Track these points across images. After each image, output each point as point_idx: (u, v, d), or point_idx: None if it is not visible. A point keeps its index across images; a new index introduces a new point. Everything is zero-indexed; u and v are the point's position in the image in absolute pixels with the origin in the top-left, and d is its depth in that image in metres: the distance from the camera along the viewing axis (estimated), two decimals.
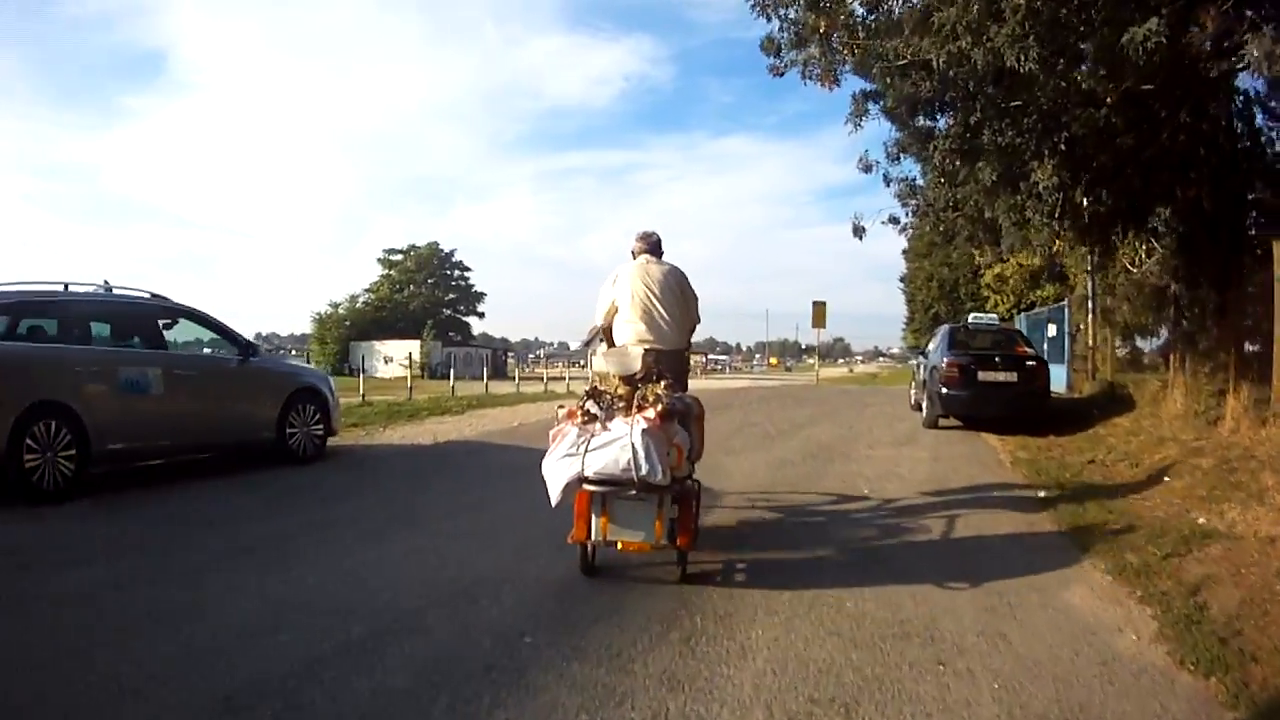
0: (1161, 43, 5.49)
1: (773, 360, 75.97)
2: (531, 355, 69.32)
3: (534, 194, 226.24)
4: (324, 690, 2.50)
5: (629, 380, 3.82)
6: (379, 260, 50.52)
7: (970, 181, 7.82)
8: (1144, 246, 10.46)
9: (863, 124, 8.05)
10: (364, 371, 23.62)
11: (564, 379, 24.16)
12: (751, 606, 3.33)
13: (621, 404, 3.67)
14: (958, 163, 7.69)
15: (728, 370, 56.34)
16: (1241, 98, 8.34)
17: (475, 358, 38.72)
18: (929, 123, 8.16)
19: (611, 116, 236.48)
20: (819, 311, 25.41)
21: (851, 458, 7.65)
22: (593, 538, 3.56)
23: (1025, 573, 3.87)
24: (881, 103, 8.03)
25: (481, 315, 53.26)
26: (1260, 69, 5.44)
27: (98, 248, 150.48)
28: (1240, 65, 5.86)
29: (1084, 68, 6.40)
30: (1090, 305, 14.76)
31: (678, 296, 4.36)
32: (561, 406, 3.85)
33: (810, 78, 7.82)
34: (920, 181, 9.08)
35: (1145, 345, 15.57)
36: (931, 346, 11.71)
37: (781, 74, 8.16)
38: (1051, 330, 16.44)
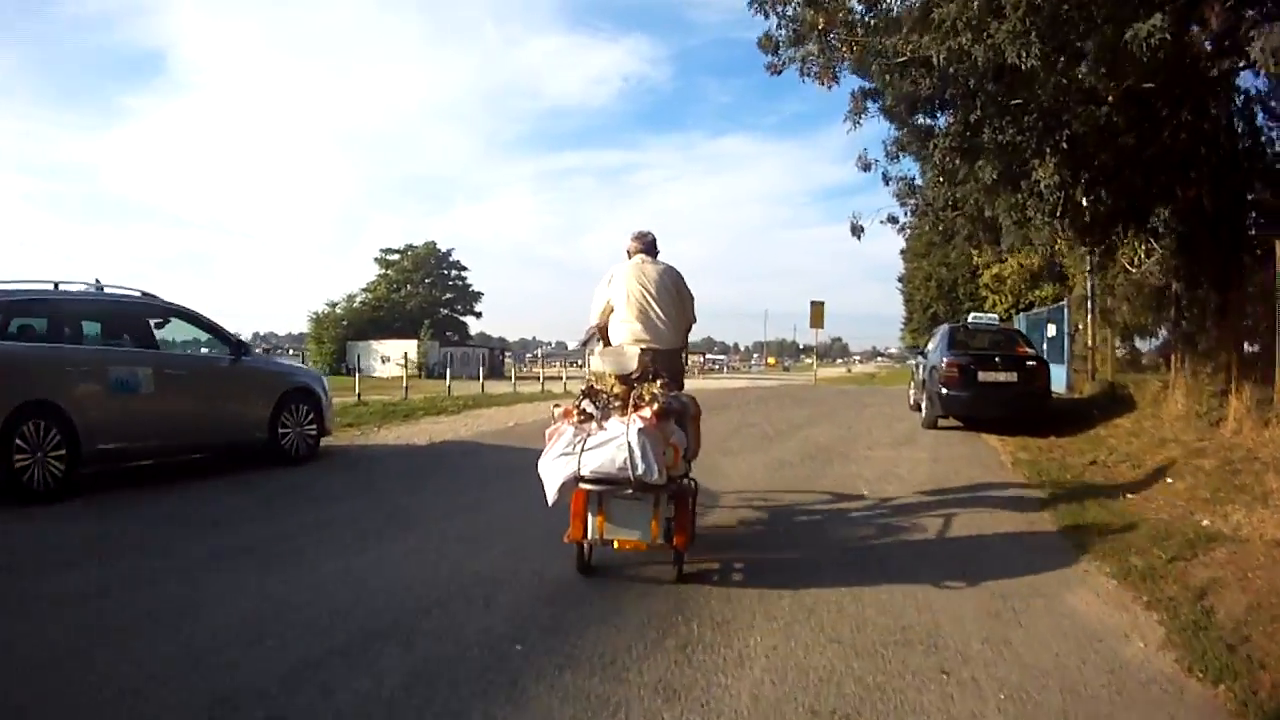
0: (1165, 39, 5.45)
1: (770, 360, 75.93)
2: (529, 355, 69.16)
3: (533, 194, 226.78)
4: (308, 700, 2.43)
5: (625, 379, 3.85)
6: (376, 260, 50.33)
7: (970, 180, 7.77)
8: (1143, 247, 10.41)
9: (862, 122, 8.03)
10: (360, 371, 23.51)
11: (561, 379, 24.08)
12: (749, 611, 3.26)
13: (618, 403, 3.70)
14: (957, 161, 7.65)
15: (725, 370, 56.24)
16: (1242, 97, 8.33)
17: (472, 357, 38.57)
18: (928, 121, 8.13)
19: (610, 116, 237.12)
20: (817, 311, 25.35)
21: (850, 459, 7.59)
22: (589, 537, 3.56)
23: (1028, 577, 3.81)
24: (880, 101, 7.99)
25: (479, 315, 53.10)
26: (1266, 65, 5.39)
27: (97, 247, 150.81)
28: (1242, 64, 5.83)
29: (1085, 65, 6.33)
30: (1089, 305, 14.71)
31: (673, 296, 4.35)
32: (558, 405, 3.87)
33: (808, 75, 7.79)
34: (919, 181, 9.04)
35: (1144, 346, 15.56)
36: (931, 346, 11.64)
37: (779, 72, 8.11)
38: (1051, 330, 16.38)
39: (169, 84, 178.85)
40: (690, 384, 5.02)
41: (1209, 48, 7.21)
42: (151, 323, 6.45)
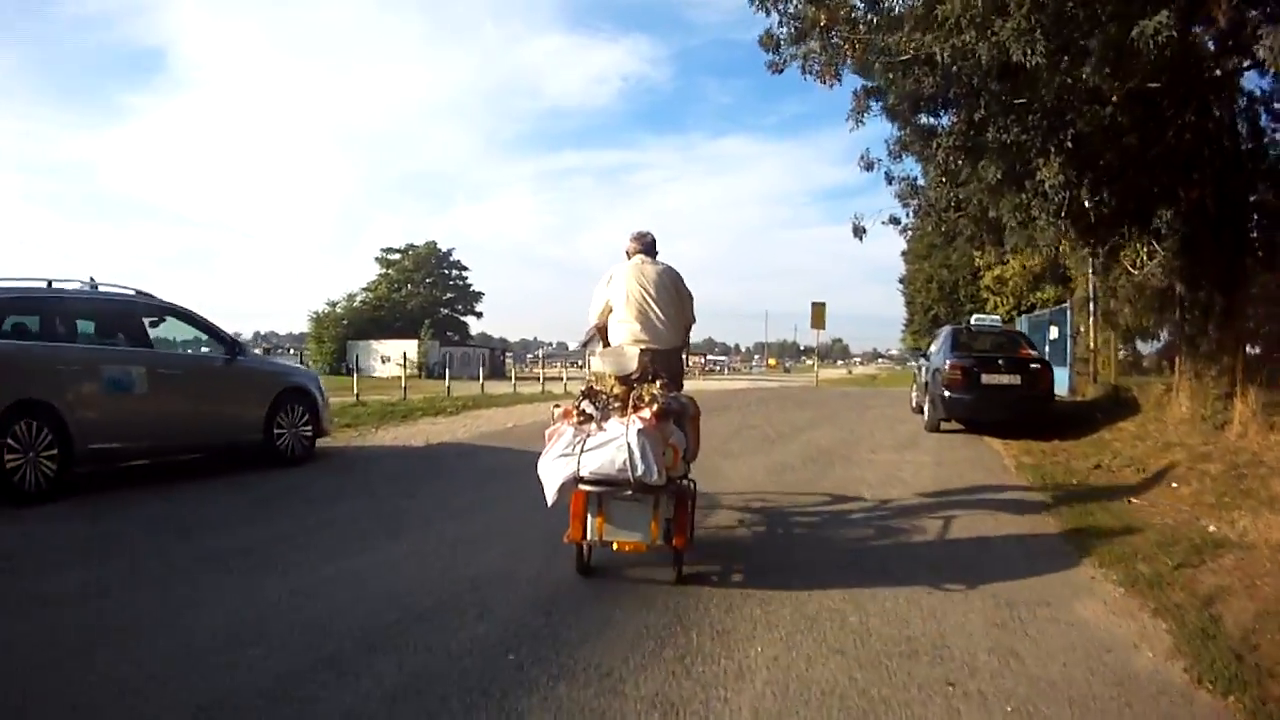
0: (1172, 37, 5.38)
1: (771, 361, 75.75)
2: (530, 355, 69.09)
3: (533, 193, 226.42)
4: (293, 712, 2.37)
5: (625, 380, 3.85)
6: (377, 259, 50.26)
7: (974, 180, 7.70)
8: (1145, 248, 10.34)
9: (864, 121, 7.93)
10: (360, 371, 23.41)
11: (561, 379, 24.00)
12: (750, 621, 3.19)
13: (617, 404, 3.69)
14: (961, 160, 7.58)
15: (726, 371, 56.19)
16: (1245, 98, 8.26)
17: (473, 357, 38.50)
18: (931, 120, 8.05)
19: (610, 116, 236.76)
20: (818, 312, 25.27)
21: (853, 462, 7.52)
22: (588, 538, 3.54)
23: (1034, 584, 3.75)
24: (883, 100, 7.90)
25: (479, 315, 53.05)
26: (1273, 63, 5.32)
27: (97, 246, 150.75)
28: (1247, 64, 5.76)
29: (1090, 64, 6.27)
30: (1092, 307, 14.64)
31: (673, 296, 4.31)
32: (557, 406, 3.86)
33: (810, 73, 7.69)
34: (922, 181, 8.96)
35: (1145, 348, 15.49)
36: (933, 348, 11.56)
37: (780, 70, 8.02)
38: (1053, 333, 16.30)
39: (169, 82, 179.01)
40: (691, 385, 4.96)
41: (1213, 47, 7.16)
42: (146, 322, 6.37)
